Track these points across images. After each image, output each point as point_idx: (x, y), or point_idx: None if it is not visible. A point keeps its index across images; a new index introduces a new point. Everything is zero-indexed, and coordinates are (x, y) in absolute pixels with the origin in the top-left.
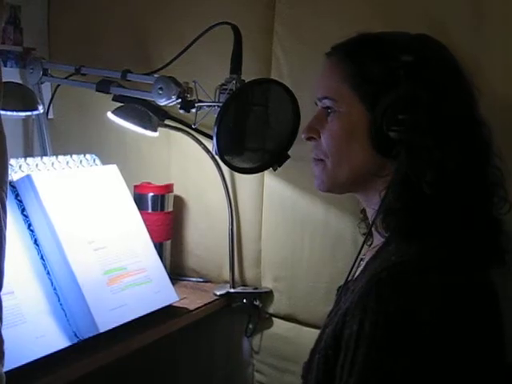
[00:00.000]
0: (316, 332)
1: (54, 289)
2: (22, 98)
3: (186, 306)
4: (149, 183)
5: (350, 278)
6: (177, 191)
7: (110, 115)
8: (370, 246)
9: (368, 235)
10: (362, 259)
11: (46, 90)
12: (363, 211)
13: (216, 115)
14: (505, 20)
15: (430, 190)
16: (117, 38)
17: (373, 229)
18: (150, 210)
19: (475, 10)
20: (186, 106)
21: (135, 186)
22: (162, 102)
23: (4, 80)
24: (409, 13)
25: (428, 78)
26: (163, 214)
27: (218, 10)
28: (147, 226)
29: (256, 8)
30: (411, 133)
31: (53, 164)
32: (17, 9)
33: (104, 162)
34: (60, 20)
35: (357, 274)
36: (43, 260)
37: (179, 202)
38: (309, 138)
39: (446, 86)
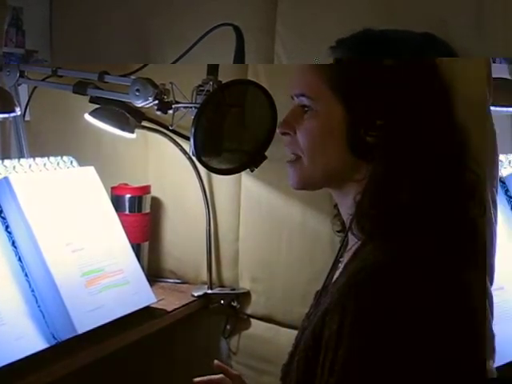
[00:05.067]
0: (294, 333)
1: (32, 290)
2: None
3: (163, 308)
4: (126, 185)
5: (328, 282)
6: (154, 192)
7: (87, 117)
8: (346, 247)
9: (344, 239)
10: (339, 261)
11: (23, 91)
12: (336, 206)
13: (193, 116)
14: (505, 20)
15: (405, 197)
16: (118, 39)
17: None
18: (127, 212)
19: (476, 9)
20: (163, 107)
21: (112, 188)
22: (139, 104)
23: None
24: (410, 12)
25: (409, 83)
26: (140, 216)
27: (220, 10)
28: (124, 227)
29: (258, 8)
30: (390, 139)
31: (30, 166)
32: (19, 11)
33: (81, 163)
34: (62, 22)
35: (335, 276)
36: (21, 262)
37: (156, 203)
38: (284, 133)
39: (425, 92)
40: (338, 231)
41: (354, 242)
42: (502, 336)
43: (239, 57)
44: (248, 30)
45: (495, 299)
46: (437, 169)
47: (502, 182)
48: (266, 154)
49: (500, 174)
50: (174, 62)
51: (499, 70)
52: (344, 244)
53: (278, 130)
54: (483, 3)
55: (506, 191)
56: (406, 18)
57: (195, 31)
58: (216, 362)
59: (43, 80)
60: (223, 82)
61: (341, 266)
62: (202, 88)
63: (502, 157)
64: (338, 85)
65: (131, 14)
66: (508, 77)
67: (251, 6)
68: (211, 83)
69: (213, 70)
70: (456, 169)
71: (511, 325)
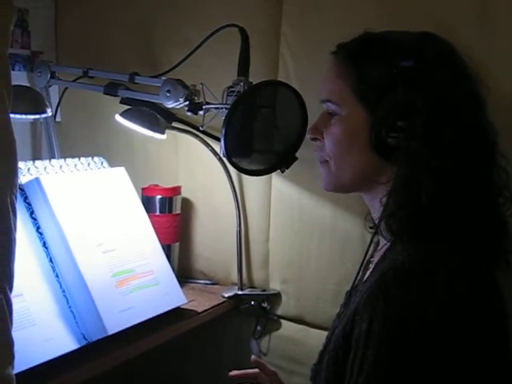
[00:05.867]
0: (324, 334)
1: (63, 291)
2: (31, 101)
3: (194, 309)
4: (156, 185)
5: (358, 281)
6: (184, 193)
7: (117, 118)
8: (376, 247)
9: (373, 238)
10: (370, 262)
11: (54, 93)
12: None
13: (224, 117)
14: (510, 19)
15: (428, 199)
16: (123, 40)
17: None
18: (157, 213)
19: (480, 9)
20: (194, 108)
21: (143, 189)
22: (170, 105)
23: (12, 83)
24: (414, 13)
25: (429, 84)
26: (171, 216)
27: (225, 11)
28: (155, 228)
29: (263, 9)
30: (410, 140)
31: (61, 167)
32: (24, 12)
33: (112, 164)
34: (67, 23)
35: (366, 276)
36: (52, 263)
37: (187, 204)
38: (313, 139)
39: (448, 92)
40: (371, 227)
41: (384, 243)
42: (21, 342)
43: (244, 58)
44: (253, 32)
45: (14, 306)
46: (461, 169)
47: (21, 189)
48: (297, 155)
49: (19, 181)
50: (179, 64)
51: (18, 78)
52: (374, 244)
53: (307, 136)
54: (487, 1)
55: (25, 198)
56: (411, 18)
57: (200, 32)
58: (253, 357)
59: (74, 81)
60: (254, 83)
61: (371, 266)
62: (232, 89)
63: (21, 164)
64: (359, 87)
65: (137, 15)
66: (28, 84)
67: (256, 7)
68: (242, 84)
69: (243, 70)
70: (483, 167)
71: (29, 332)
